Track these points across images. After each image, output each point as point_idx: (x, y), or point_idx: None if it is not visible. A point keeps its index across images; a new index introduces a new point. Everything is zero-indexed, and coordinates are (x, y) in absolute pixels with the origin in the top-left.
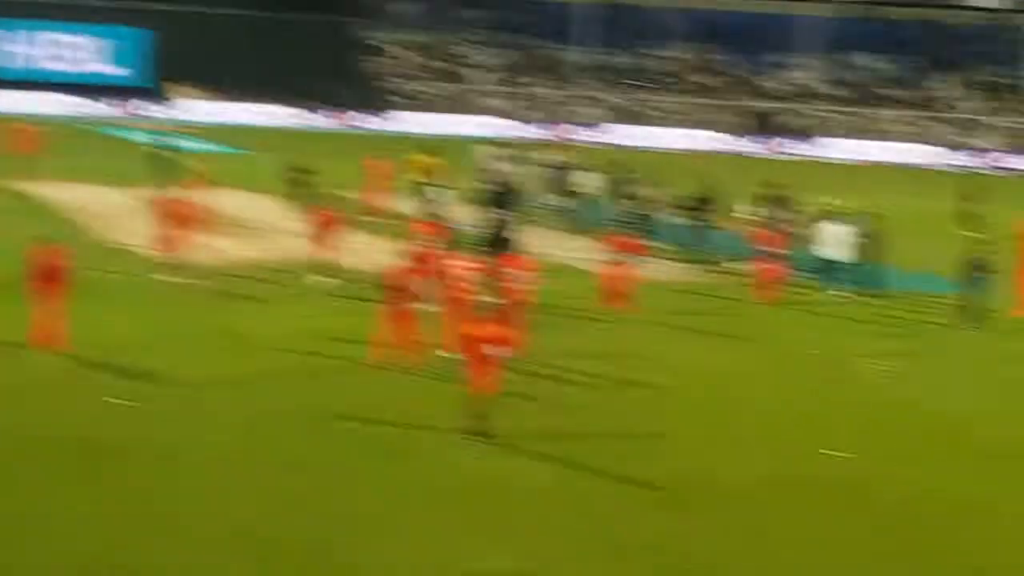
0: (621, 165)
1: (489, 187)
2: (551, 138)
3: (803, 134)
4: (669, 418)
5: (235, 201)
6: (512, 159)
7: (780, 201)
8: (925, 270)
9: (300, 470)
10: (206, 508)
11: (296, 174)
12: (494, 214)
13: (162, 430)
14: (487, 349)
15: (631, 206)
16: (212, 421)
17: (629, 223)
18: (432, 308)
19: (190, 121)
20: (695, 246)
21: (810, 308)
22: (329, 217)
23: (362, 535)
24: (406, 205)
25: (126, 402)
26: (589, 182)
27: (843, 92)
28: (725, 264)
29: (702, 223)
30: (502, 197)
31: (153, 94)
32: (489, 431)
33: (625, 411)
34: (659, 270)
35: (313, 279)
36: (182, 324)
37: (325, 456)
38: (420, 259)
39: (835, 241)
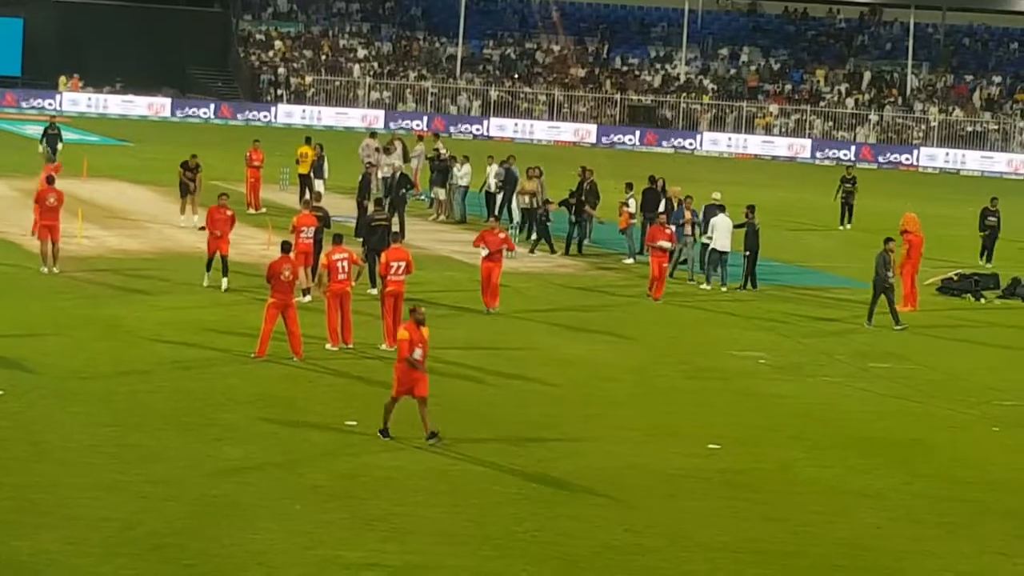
0: (504, 158)
1: (370, 179)
2: (430, 130)
3: (678, 127)
4: (552, 412)
5: (116, 192)
6: (392, 151)
7: (657, 194)
8: (804, 264)
9: (172, 461)
10: (76, 499)
11: (187, 169)
12: (375, 206)
13: (31, 421)
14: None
15: (519, 201)
16: (83, 412)
17: (520, 219)
18: (310, 300)
19: (71, 112)
20: (580, 240)
21: (698, 302)
22: (218, 211)
23: (240, 528)
24: (287, 197)
25: None
26: (467, 174)
27: (720, 85)
28: (623, 260)
29: (587, 217)
30: (384, 189)
31: (31, 84)
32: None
33: (508, 404)
34: (543, 264)
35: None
36: (59, 315)
37: (200, 448)
38: (301, 251)
39: (721, 234)
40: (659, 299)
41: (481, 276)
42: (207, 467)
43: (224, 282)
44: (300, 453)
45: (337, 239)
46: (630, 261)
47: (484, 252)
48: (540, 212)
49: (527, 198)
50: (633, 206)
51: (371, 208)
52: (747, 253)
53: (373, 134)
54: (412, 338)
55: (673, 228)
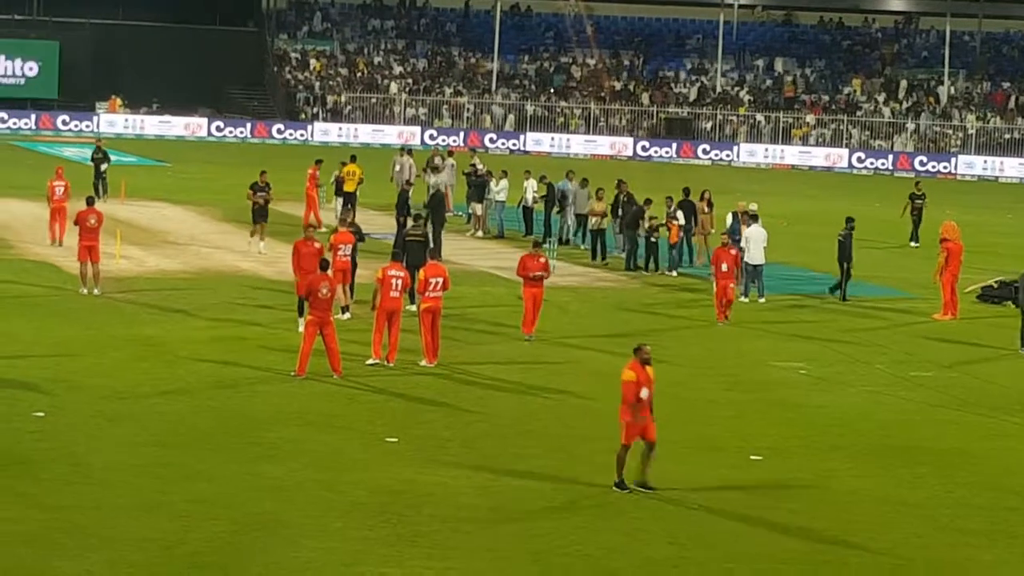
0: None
1: (407, 196)
2: (466, 146)
3: (715, 138)
4: (588, 425)
5: (154, 213)
6: (432, 168)
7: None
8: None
9: (214, 480)
10: (119, 520)
11: (258, 190)
12: (414, 222)
13: (72, 442)
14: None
15: (591, 223)
16: (124, 432)
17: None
18: (349, 317)
19: (108, 134)
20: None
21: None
22: (305, 245)
23: (281, 545)
24: (328, 214)
25: (37, 413)
26: (504, 189)
27: (756, 96)
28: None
29: (634, 231)
30: (423, 206)
31: (69, 107)
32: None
33: (549, 419)
34: (583, 278)
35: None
36: (98, 336)
37: (241, 467)
38: (339, 269)
39: (755, 245)
40: (724, 322)
41: (525, 302)
42: (248, 485)
43: (301, 322)
44: (341, 470)
45: (396, 256)
46: (673, 274)
47: (536, 275)
48: (648, 233)
49: (595, 220)
50: (682, 218)
51: (409, 224)
52: (847, 265)
53: (409, 151)
54: (639, 379)
55: (736, 249)
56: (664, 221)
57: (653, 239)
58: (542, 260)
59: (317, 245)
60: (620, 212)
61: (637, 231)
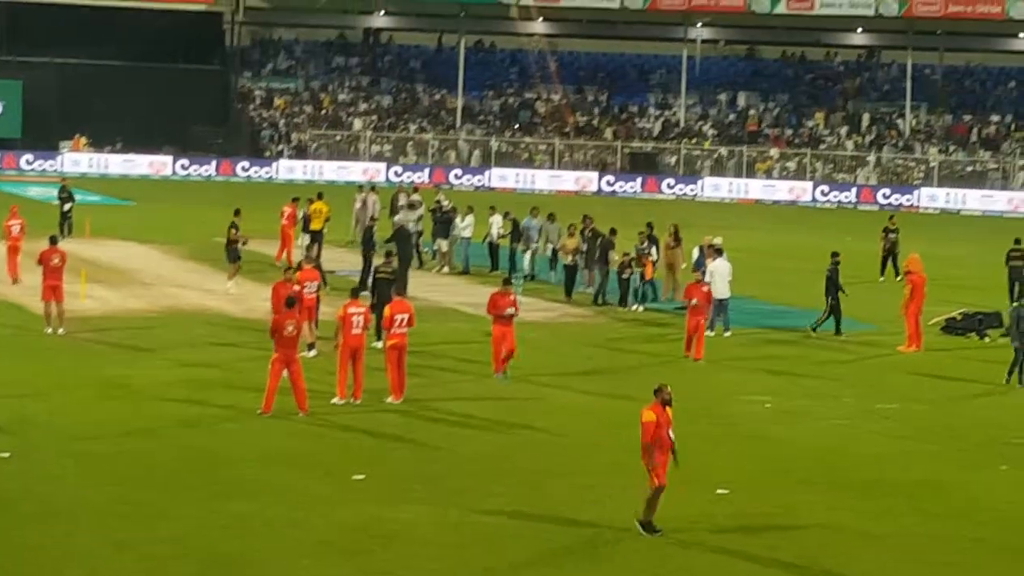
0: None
1: (373, 232)
2: (431, 182)
3: (679, 172)
4: (556, 462)
5: (119, 252)
6: (416, 207)
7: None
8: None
9: (180, 519)
10: (87, 560)
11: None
12: (384, 258)
13: (39, 481)
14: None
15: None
16: (90, 471)
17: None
18: (315, 355)
19: (72, 173)
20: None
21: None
22: (284, 287)
23: None
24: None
25: (3, 453)
26: (470, 226)
27: (720, 130)
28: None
29: (604, 265)
30: (384, 242)
31: (33, 146)
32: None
33: (518, 455)
34: (550, 313)
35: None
36: (64, 376)
37: (208, 505)
38: (305, 306)
39: (720, 279)
40: (700, 359)
41: (493, 339)
42: (216, 524)
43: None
44: (308, 508)
45: (355, 293)
46: (639, 309)
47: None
48: (620, 270)
49: (570, 256)
50: (656, 254)
51: (379, 260)
52: (831, 300)
53: (373, 188)
54: (659, 420)
55: (708, 286)
56: (635, 256)
57: (625, 276)
58: (511, 298)
59: (297, 288)
60: (586, 248)
61: (607, 265)
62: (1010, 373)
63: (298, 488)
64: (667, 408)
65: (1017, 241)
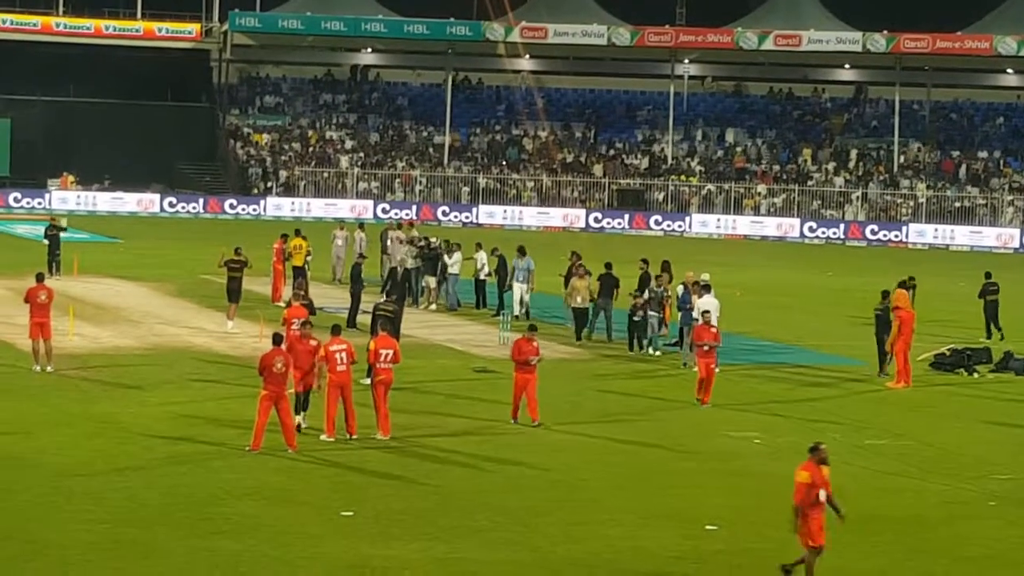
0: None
1: (361, 269)
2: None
3: (667, 209)
4: (544, 498)
5: (107, 289)
6: (386, 241)
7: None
8: (796, 343)
9: (169, 557)
10: None
11: (233, 269)
12: (385, 297)
13: (27, 519)
14: None
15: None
16: (79, 509)
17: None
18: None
19: (60, 211)
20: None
21: (690, 384)
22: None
23: None
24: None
25: None
26: (458, 262)
27: (708, 167)
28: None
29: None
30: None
31: (20, 184)
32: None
33: (504, 491)
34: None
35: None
36: (52, 413)
37: (197, 543)
38: (293, 343)
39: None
40: (707, 404)
41: (515, 387)
42: (205, 561)
43: (300, 418)
44: (297, 545)
45: (335, 330)
46: (656, 352)
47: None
48: (635, 310)
49: (579, 297)
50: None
51: (382, 298)
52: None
53: (361, 225)
54: (814, 480)
55: (716, 328)
56: (652, 298)
57: (637, 318)
58: (536, 344)
59: (313, 343)
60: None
61: (611, 299)
62: None
63: (287, 525)
64: (822, 467)
65: (988, 275)
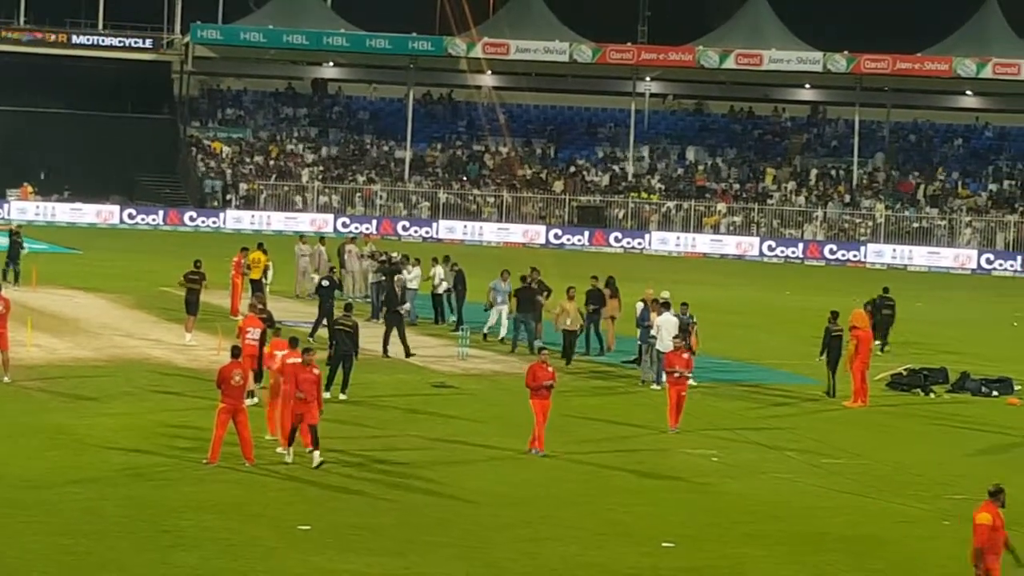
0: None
1: (322, 282)
2: (380, 234)
3: (627, 226)
4: (503, 513)
5: (66, 301)
6: (343, 256)
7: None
8: (754, 361)
9: (125, 570)
10: None
11: (192, 281)
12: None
13: None
14: None
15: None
16: (35, 521)
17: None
18: (256, 402)
19: (19, 221)
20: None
21: (649, 402)
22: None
23: None
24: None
25: None
26: (417, 277)
27: (668, 184)
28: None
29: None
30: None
31: None
32: None
33: (459, 505)
34: (494, 365)
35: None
36: (9, 424)
37: (154, 555)
38: (247, 354)
39: (667, 333)
40: (676, 429)
41: (536, 414)
42: (162, 574)
43: (316, 456)
44: (254, 558)
45: (293, 343)
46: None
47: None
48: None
49: (568, 320)
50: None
51: (339, 313)
52: (823, 359)
53: (321, 239)
54: (995, 523)
55: (688, 353)
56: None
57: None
58: (550, 369)
59: (316, 372)
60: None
61: (531, 312)
62: None
63: (244, 538)
64: (1002, 511)
65: (885, 290)
